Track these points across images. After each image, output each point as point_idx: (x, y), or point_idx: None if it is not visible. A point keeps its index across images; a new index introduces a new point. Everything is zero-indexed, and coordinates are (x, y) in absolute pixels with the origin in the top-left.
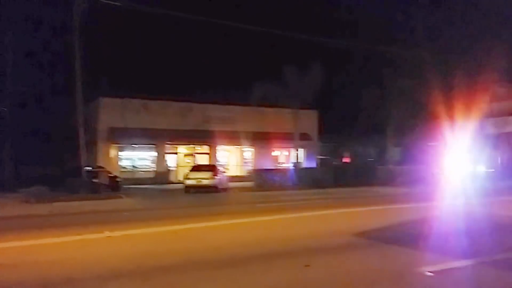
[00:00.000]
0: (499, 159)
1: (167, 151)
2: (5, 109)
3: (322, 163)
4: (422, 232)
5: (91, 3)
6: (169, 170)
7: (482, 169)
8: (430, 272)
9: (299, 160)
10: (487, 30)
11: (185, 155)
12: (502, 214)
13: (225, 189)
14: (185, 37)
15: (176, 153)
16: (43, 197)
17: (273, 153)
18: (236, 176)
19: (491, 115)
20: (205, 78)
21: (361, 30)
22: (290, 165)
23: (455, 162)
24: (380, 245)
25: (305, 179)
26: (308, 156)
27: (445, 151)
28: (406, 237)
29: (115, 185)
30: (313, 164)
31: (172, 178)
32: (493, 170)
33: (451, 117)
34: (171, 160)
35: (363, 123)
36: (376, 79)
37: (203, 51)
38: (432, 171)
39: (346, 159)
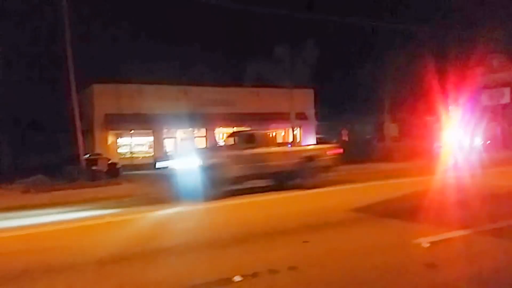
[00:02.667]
0: (495, 130)
1: (165, 136)
2: None
3: (320, 141)
4: (419, 204)
5: None
6: (167, 155)
7: (478, 141)
8: (427, 242)
9: (295, 140)
10: (481, 2)
11: (183, 139)
12: (497, 184)
13: None
14: (178, 19)
15: (174, 138)
16: (43, 186)
17: (270, 134)
18: None
19: (487, 86)
20: (199, 60)
21: (356, 5)
22: (287, 145)
23: (452, 135)
24: (378, 219)
25: None
26: (305, 135)
27: (442, 125)
28: (403, 210)
29: (114, 171)
30: (311, 143)
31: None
32: (489, 141)
33: (447, 90)
34: (169, 145)
35: (360, 100)
36: (371, 55)
37: (196, 32)
38: (430, 145)
39: (344, 137)
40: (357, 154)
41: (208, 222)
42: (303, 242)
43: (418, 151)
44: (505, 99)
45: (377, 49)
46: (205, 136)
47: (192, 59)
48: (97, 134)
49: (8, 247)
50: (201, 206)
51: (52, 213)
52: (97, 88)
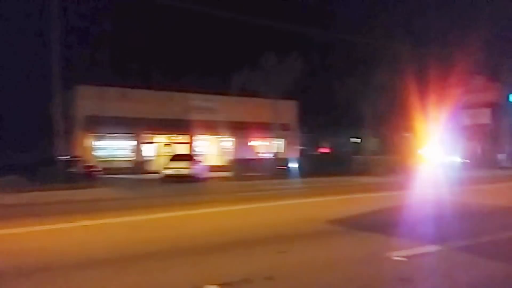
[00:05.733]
0: (474, 150)
1: (145, 141)
2: None
3: (302, 153)
4: (394, 219)
5: None
6: (147, 159)
7: (457, 159)
8: (400, 257)
9: (278, 150)
10: (462, 24)
11: (164, 144)
12: (472, 202)
13: (204, 179)
14: (165, 26)
15: (155, 143)
16: (18, 187)
17: (253, 143)
18: (216, 166)
19: (466, 106)
20: (185, 67)
21: (341, 23)
22: (270, 155)
23: (431, 152)
24: (354, 231)
25: (285, 169)
26: (288, 146)
27: (421, 142)
28: (379, 224)
29: (92, 174)
30: (293, 154)
31: (150, 167)
32: (468, 160)
33: (427, 108)
34: (149, 150)
35: (343, 114)
36: (355, 71)
37: (184, 40)
38: (409, 161)
39: (325, 150)
40: (337, 167)
41: (183, 231)
42: (279, 252)
43: (396, 166)
44: (485, 120)
45: (360, 65)
46: (186, 143)
47: (179, 66)
48: (77, 135)
49: None
50: (176, 214)
51: (25, 215)
52: (81, 89)
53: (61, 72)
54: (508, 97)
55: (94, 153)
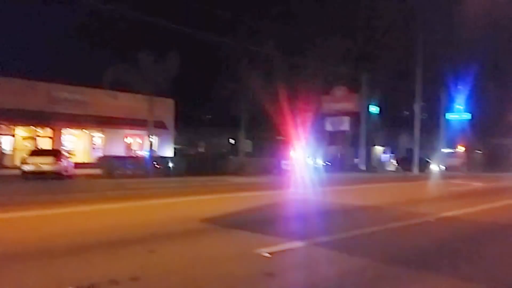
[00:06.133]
0: (335, 153)
1: (2, 132)
2: None
3: (177, 152)
4: (264, 217)
5: None
6: (4, 153)
7: (320, 162)
8: (267, 253)
9: (153, 148)
10: (327, 35)
11: (24, 138)
12: (333, 201)
13: (70, 176)
14: (35, 10)
15: (13, 135)
16: None
17: (126, 140)
18: (84, 163)
19: (330, 114)
20: (53, 57)
21: (220, 23)
22: (144, 153)
23: (299, 155)
24: (225, 230)
25: (158, 167)
26: (162, 145)
27: (290, 145)
28: (249, 222)
29: None
30: (168, 153)
31: (7, 162)
32: (330, 163)
33: (296, 114)
34: (6, 143)
35: (219, 115)
36: (232, 72)
37: (56, 28)
38: (279, 162)
39: (200, 149)
40: (212, 166)
41: (43, 232)
42: (149, 252)
43: (269, 167)
44: (345, 127)
45: (237, 67)
46: (51, 137)
47: (43, 52)
48: None
49: None
50: (35, 214)
51: None
52: None
53: None
54: (368, 108)
55: None
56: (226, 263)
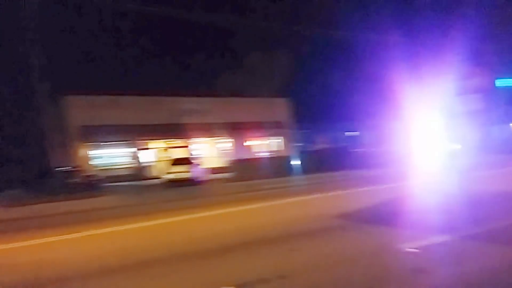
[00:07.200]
0: (468, 136)
1: (142, 147)
2: None
3: (298, 150)
4: (400, 210)
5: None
6: (145, 165)
7: (453, 146)
8: (412, 248)
9: (276, 148)
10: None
11: (161, 149)
12: (476, 188)
13: (204, 181)
14: (151, 30)
15: (152, 148)
16: (20, 200)
17: (250, 143)
18: (215, 168)
19: (460, 93)
20: (173, 71)
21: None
22: (267, 154)
23: (427, 141)
24: (361, 225)
25: (282, 167)
26: (284, 144)
27: (417, 131)
28: (385, 216)
29: (92, 183)
30: (289, 152)
31: (149, 173)
32: (462, 147)
33: (420, 96)
34: (147, 155)
35: (335, 108)
36: (341, 63)
37: (169, 43)
38: (405, 151)
39: (322, 145)
40: (334, 162)
41: (191, 235)
42: (289, 250)
43: (394, 157)
44: (478, 105)
45: (345, 57)
46: (183, 147)
47: (167, 70)
48: (73, 146)
49: None
50: (182, 218)
51: (29, 227)
52: (70, 100)
53: (46, 85)
54: (495, 83)
55: (91, 162)
56: (370, 259)
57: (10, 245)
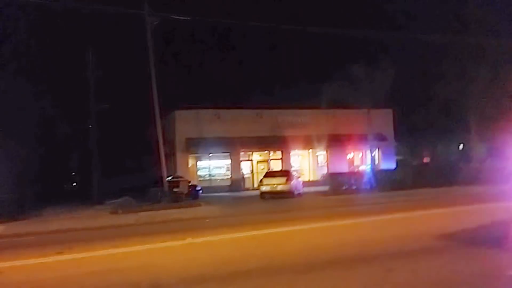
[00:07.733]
0: None
1: (241, 159)
2: (90, 126)
3: (400, 164)
4: (510, 233)
5: (161, 19)
6: (244, 177)
7: None
8: None
9: (375, 162)
10: None
11: (259, 161)
12: None
13: (300, 194)
14: (251, 44)
15: (250, 160)
16: (129, 207)
17: (348, 156)
18: (311, 181)
19: None
20: (274, 83)
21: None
22: (366, 167)
23: None
24: (465, 247)
25: (382, 181)
26: (384, 157)
27: None
28: (493, 239)
29: (194, 193)
30: (390, 165)
31: (247, 185)
32: None
33: None
34: (246, 167)
35: (443, 119)
36: (452, 71)
37: (270, 56)
38: None
39: (425, 159)
40: (441, 177)
41: (285, 248)
42: (387, 270)
43: (508, 173)
44: None
45: (457, 64)
46: (280, 159)
47: (267, 83)
48: (179, 157)
49: (97, 266)
50: (277, 231)
51: (136, 234)
52: (178, 114)
53: (159, 99)
54: None
55: (195, 173)
56: (472, 284)
57: (113, 251)
